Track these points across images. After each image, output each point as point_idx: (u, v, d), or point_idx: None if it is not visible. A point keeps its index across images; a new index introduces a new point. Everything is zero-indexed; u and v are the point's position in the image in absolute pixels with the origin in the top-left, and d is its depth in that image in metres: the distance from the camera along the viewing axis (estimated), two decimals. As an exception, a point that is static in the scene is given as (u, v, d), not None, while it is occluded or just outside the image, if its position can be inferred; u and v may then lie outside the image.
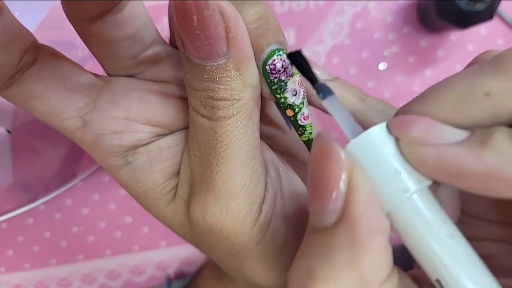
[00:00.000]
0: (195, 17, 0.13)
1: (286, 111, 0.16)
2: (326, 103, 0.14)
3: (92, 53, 0.17)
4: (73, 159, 0.32)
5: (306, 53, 0.37)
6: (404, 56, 0.37)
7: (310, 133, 0.17)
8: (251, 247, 0.17)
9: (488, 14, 0.30)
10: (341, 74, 0.37)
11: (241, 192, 0.16)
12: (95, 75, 0.17)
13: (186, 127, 0.18)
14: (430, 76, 0.37)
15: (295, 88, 0.16)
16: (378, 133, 0.13)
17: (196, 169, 0.17)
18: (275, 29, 0.15)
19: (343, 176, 0.12)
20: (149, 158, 0.17)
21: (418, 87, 0.37)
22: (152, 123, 0.17)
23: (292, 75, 0.16)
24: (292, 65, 0.16)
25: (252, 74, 0.15)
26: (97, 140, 0.17)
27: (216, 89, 0.15)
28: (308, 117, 0.17)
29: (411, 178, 0.13)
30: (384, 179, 0.13)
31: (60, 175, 0.34)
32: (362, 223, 0.12)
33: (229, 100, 0.15)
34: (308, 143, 0.18)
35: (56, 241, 0.38)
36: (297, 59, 0.15)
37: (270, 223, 0.17)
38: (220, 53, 0.14)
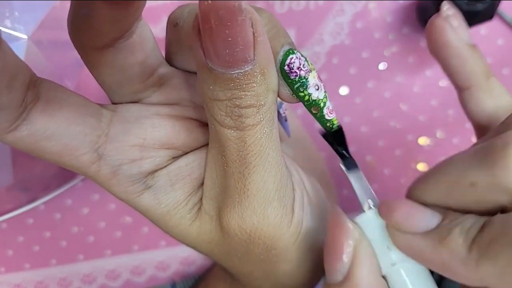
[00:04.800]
0: (229, 24, 0.13)
1: (312, 109, 0.17)
2: (350, 175, 0.17)
3: (99, 81, 0.16)
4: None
5: (306, 53, 0.37)
6: (404, 56, 0.37)
7: (338, 126, 0.17)
8: (288, 248, 0.18)
9: (488, 14, 0.30)
10: (341, 74, 0.37)
11: (275, 197, 0.16)
12: (100, 104, 0.16)
13: (197, 147, 0.18)
14: (430, 76, 0.37)
15: (316, 82, 0.16)
16: (373, 214, 0.16)
17: (225, 183, 0.16)
18: (283, 30, 0.16)
19: (351, 244, 0.15)
20: (169, 178, 0.17)
21: (418, 87, 0.37)
22: (167, 146, 0.17)
23: (310, 71, 0.16)
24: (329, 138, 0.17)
25: (274, 77, 0.15)
26: (116, 171, 0.16)
27: (242, 96, 0.14)
28: (333, 110, 0.17)
29: (397, 254, 0.16)
30: (380, 251, 0.16)
31: (60, 175, 0.34)
32: (362, 283, 0.15)
33: (255, 107, 0.15)
34: None
35: (56, 241, 0.38)
36: (336, 135, 0.17)
37: (303, 222, 0.18)
38: (248, 59, 0.14)
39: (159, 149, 0.17)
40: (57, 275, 0.38)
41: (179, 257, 0.38)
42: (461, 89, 0.19)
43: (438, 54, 0.18)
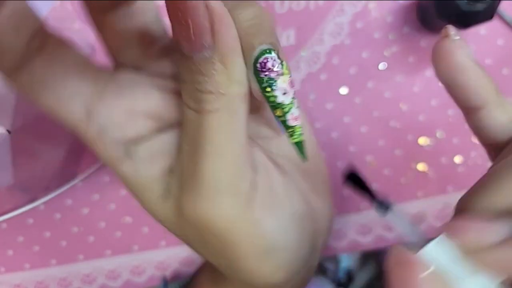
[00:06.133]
0: (180, 7, 0.14)
1: (276, 111, 0.17)
2: (388, 217, 0.15)
3: (104, 45, 0.18)
4: (73, 159, 0.32)
5: (305, 54, 0.37)
6: (404, 56, 0.37)
7: (300, 134, 0.17)
8: (243, 244, 0.18)
9: (488, 14, 0.30)
10: (341, 74, 0.37)
11: (226, 189, 0.16)
12: (100, 67, 0.17)
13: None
14: (430, 76, 0.37)
15: (285, 87, 0.16)
16: (441, 240, 0.15)
17: (186, 164, 0.17)
18: (268, 30, 0.16)
19: (428, 285, 0.14)
20: (149, 151, 0.18)
21: (418, 87, 0.37)
22: (155, 117, 0.18)
23: (282, 74, 0.16)
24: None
25: (239, 70, 0.15)
26: (101, 131, 0.17)
27: (202, 81, 0.15)
28: (298, 118, 0.17)
29: (478, 282, 0.14)
30: (456, 283, 0.14)
31: (60, 175, 0.34)
32: None
33: (214, 94, 0.15)
34: (298, 145, 0.18)
35: (56, 241, 0.38)
36: (354, 179, 0.16)
37: (262, 221, 0.18)
38: (205, 45, 0.14)
39: (146, 118, 0.17)
40: (57, 275, 0.38)
41: (179, 257, 0.38)
42: (475, 110, 0.18)
43: (450, 77, 0.18)
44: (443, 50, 0.17)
